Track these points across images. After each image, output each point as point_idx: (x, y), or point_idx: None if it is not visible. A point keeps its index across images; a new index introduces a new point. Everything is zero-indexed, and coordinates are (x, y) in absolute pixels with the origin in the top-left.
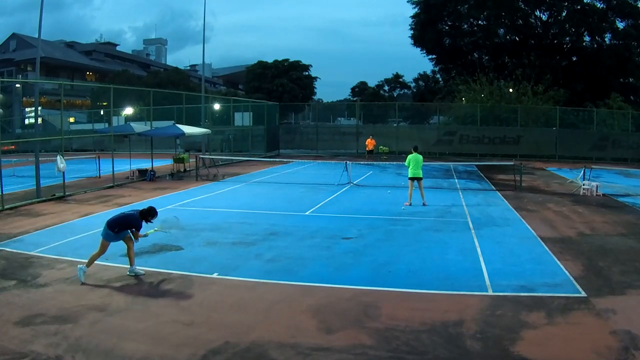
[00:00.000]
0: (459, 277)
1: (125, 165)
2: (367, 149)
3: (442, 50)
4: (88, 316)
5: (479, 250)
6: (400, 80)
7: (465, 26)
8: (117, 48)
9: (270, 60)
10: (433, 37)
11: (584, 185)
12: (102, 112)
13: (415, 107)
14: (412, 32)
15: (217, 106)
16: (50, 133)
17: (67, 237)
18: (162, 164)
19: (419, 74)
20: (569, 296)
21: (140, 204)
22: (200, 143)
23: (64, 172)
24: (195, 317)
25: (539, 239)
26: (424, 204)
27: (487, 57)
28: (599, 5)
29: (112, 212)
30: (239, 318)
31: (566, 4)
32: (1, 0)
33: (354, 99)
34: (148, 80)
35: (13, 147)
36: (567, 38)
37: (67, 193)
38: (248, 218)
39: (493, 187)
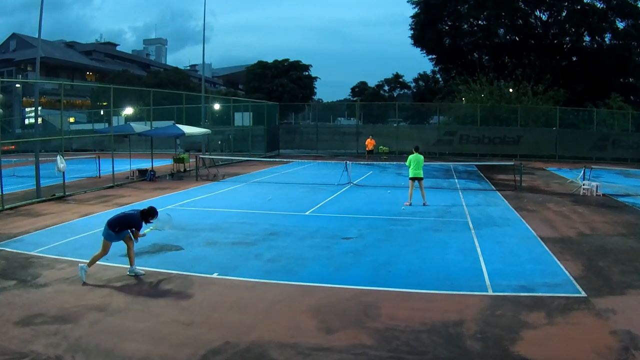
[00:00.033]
0: (459, 277)
1: (125, 165)
2: (367, 149)
3: (442, 50)
4: (88, 316)
5: (479, 250)
6: (400, 80)
7: (465, 26)
8: (117, 48)
9: (270, 60)
10: (433, 37)
11: (584, 185)
12: (102, 112)
13: (415, 107)
14: (412, 32)
15: (217, 106)
16: (50, 133)
17: (67, 237)
18: (162, 164)
19: (419, 74)
20: (569, 296)
21: (140, 204)
22: (200, 143)
23: (64, 172)
24: (195, 317)
25: (539, 239)
26: (424, 204)
27: (487, 57)
28: (599, 5)
29: (112, 212)
30: (239, 318)
31: (566, 4)
32: (1, 0)
33: (354, 99)
34: (148, 80)
35: (13, 147)
36: (567, 38)
37: (67, 193)
38: (248, 218)
39: (493, 187)
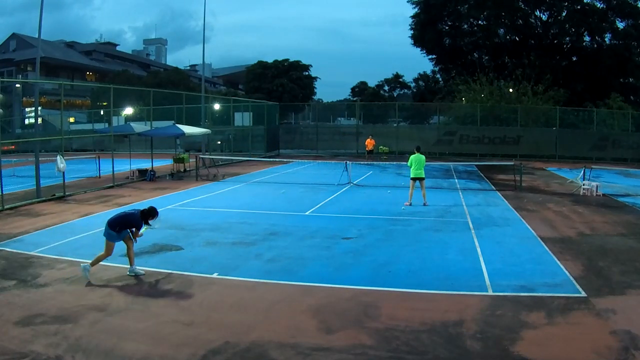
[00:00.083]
0: (459, 277)
1: (125, 165)
2: (367, 149)
3: (442, 50)
4: (88, 316)
5: (479, 250)
6: (400, 80)
7: (465, 26)
8: (117, 48)
9: (270, 60)
10: (433, 37)
11: (584, 185)
12: (102, 112)
13: (415, 107)
14: (412, 32)
15: (217, 106)
16: (50, 133)
17: (67, 237)
18: (162, 164)
19: (419, 74)
20: (569, 296)
21: (140, 204)
22: (200, 143)
23: (64, 172)
24: (195, 317)
25: (539, 239)
26: (425, 204)
27: (487, 57)
28: (599, 5)
29: (112, 212)
30: (239, 318)
31: (566, 4)
32: (1, 0)
33: (354, 99)
34: (148, 80)
35: (13, 147)
36: (567, 38)
37: (67, 193)
38: (248, 218)
39: (493, 187)
